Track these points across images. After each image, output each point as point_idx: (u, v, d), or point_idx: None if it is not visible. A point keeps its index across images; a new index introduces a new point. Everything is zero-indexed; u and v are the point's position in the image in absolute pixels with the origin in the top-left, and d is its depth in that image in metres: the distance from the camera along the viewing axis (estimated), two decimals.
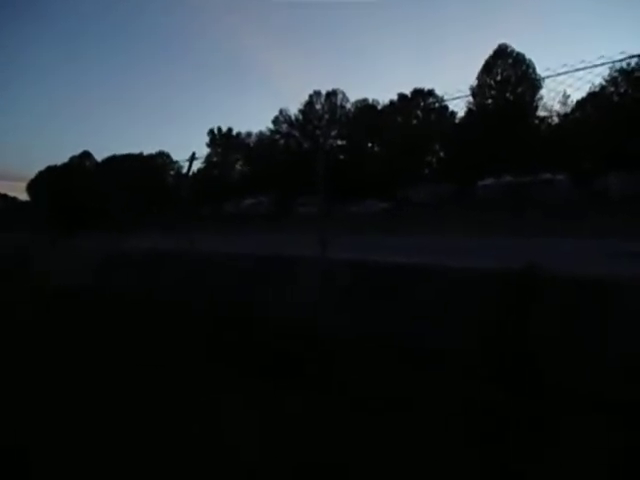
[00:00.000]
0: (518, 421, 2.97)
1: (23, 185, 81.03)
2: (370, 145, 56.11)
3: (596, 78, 33.02)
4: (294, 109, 59.16)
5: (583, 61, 4.64)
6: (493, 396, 3.25)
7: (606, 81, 39.05)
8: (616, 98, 39.53)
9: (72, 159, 75.12)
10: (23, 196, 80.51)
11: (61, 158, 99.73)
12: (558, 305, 3.56)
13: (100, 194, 54.00)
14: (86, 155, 75.23)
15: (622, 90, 39.62)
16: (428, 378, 3.63)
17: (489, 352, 3.64)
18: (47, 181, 70.60)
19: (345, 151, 54.59)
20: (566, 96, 39.81)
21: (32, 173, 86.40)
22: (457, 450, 2.75)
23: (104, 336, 5.61)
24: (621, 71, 37.46)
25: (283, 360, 4.20)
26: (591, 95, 38.03)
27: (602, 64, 4.76)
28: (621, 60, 5.19)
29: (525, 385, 3.28)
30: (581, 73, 4.75)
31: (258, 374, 4.05)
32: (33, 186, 77.36)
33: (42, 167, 78.77)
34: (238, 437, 3.10)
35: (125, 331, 5.77)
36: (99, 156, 74.66)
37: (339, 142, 56.57)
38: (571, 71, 4.82)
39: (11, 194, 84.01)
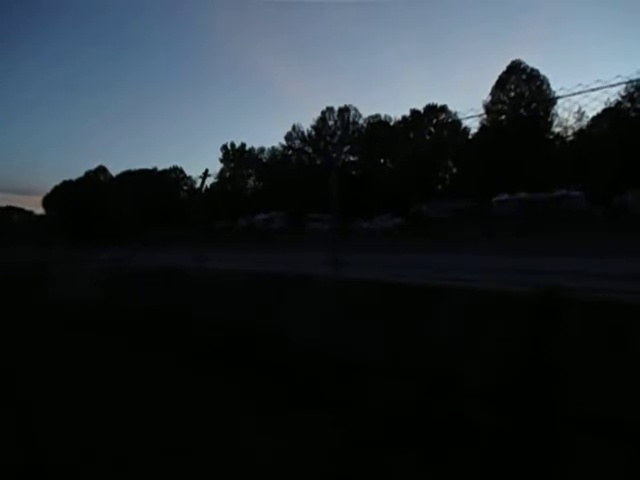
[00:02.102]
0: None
1: (39, 199, 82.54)
2: (382, 161, 56.20)
3: (612, 96, 33.05)
4: (307, 125, 59.70)
5: (599, 80, 4.52)
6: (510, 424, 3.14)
7: (622, 97, 38.77)
8: (633, 114, 39.15)
9: (87, 174, 76.27)
10: (39, 210, 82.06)
11: (77, 172, 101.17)
12: (578, 328, 3.44)
13: (113, 210, 55.00)
14: (101, 170, 76.34)
15: (639, 106, 39.25)
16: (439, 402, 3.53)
17: (509, 378, 3.52)
18: (62, 196, 71.90)
19: (357, 167, 54.75)
20: (581, 112, 39.55)
21: (49, 187, 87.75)
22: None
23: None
24: (638, 87, 37.10)
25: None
26: (606, 111, 37.68)
27: (618, 84, 4.66)
28: (638, 80, 5.10)
29: (552, 416, 3.16)
30: (596, 93, 4.64)
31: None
32: (49, 200, 78.64)
33: (58, 181, 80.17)
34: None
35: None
36: (114, 171, 75.85)
37: (351, 158, 56.75)
38: (586, 91, 4.70)
39: (27, 208, 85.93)
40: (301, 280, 5.95)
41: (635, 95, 38.86)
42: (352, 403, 3.73)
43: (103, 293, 9.02)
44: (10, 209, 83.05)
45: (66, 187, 76.04)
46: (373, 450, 3.10)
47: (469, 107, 18.65)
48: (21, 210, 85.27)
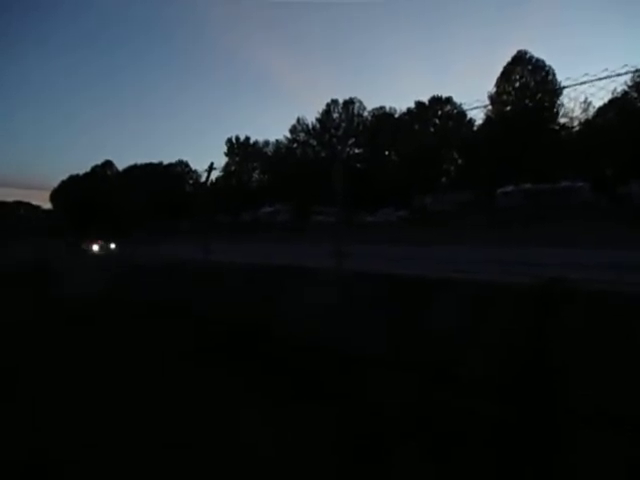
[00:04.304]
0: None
1: (47, 194, 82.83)
2: (387, 153, 55.94)
3: (620, 85, 32.66)
4: (312, 118, 59.43)
5: (605, 70, 4.51)
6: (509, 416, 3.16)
7: (629, 87, 38.32)
8: (639, 104, 38.72)
9: (94, 168, 76.43)
10: (47, 205, 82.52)
11: (84, 167, 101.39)
12: (579, 321, 3.42)
13: (119, 205, 55.28)
14: (108, 164, 76.47)
15: None
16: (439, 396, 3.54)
17: (511, 369, 3.52)
18: (69, 191, 72.28)
19: (362, 160, 54.54)
20: (587, 102, 39.20)
21: (55, 182, 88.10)
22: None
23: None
24: None
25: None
26: (612, 101, 37.30)
27: (625, 73, 4.63)
28: None
29: (548, 407, 3.17)
30: (603, 82, 4.62)
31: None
32: (56, 195, 78.97)
33: (65, 176, 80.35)
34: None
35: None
36: (121, 165, 75.95)
37: (356, 150, 56.53)
38: (593, 80, 4.68)
39: (35, 202, 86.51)
40: (304, 273, 5.99)
41: None
42: (354, 395, 3.76)
43: (105, 287, 9.10)
44: (18, 204, 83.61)
45: (73, 182, 76.26)
46: (375, 442, 3.12)
47: (474, 97, 18.60)
48: (28, 204, 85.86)
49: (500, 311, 3.78)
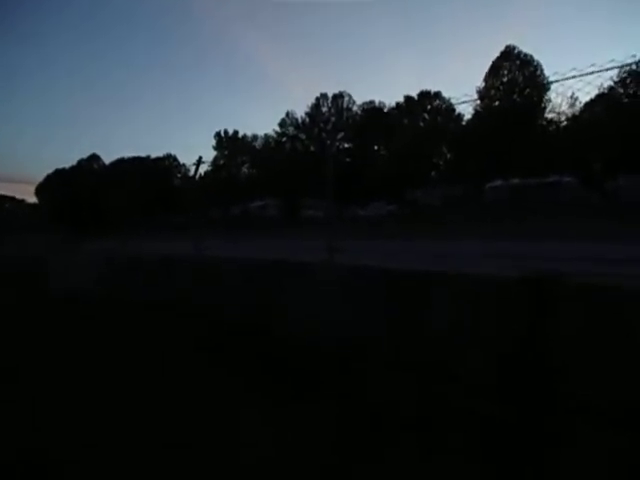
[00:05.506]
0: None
1: (32, 188, 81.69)
2: (377, 148, 55.94)
3: (606, 81, 32.90)
4: (301, 112, 59.17)
5: (593, 65, 4.55)
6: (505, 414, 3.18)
7: (615, 82, 38.66)
8: (625, 100, 39.09)
9: (81, 162, 75.44)
10: (32, 199, 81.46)
11: (70, 161, 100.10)
12: (579, 319, 3.41)
13: (107, 199, 54.62)
14: (95, 158, 75.52)
15: (631, 91, 39.17)
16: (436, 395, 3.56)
17: (511, 368, 3.52)
18: (55, 185, 71.34)
19: (352, 154, 54.49)
20: (574, 98, 39.52)
21: (41, 176, 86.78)
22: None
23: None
24: (631, 72, 36.97)
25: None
26: (599, 97, 37.64)
27: (612, 68, 4.67)
28: (631, 64, 5.12)
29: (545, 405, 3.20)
30: (590, 77, 4.66)
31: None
32: (42, 189, 77.90)
33: (51, 170, 79.24)
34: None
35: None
36: (107, 158, 75.09)
37: (346, 145, 56.46)
38: (580, 75, 4.71)
39: (19, 197, 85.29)
40: (300, 271, 5.94)
41: (628, 80, 38.73)
42: (354, 395, 3.78)
43: (103, 287, 9.03)
44: (2, 197, 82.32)
45: (59, 176, 75.20)
46: (374, 441, 3.14)
47: (463, 92, 18.64)
48: (13, 199, 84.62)
49: (500, 308, 3.79)
